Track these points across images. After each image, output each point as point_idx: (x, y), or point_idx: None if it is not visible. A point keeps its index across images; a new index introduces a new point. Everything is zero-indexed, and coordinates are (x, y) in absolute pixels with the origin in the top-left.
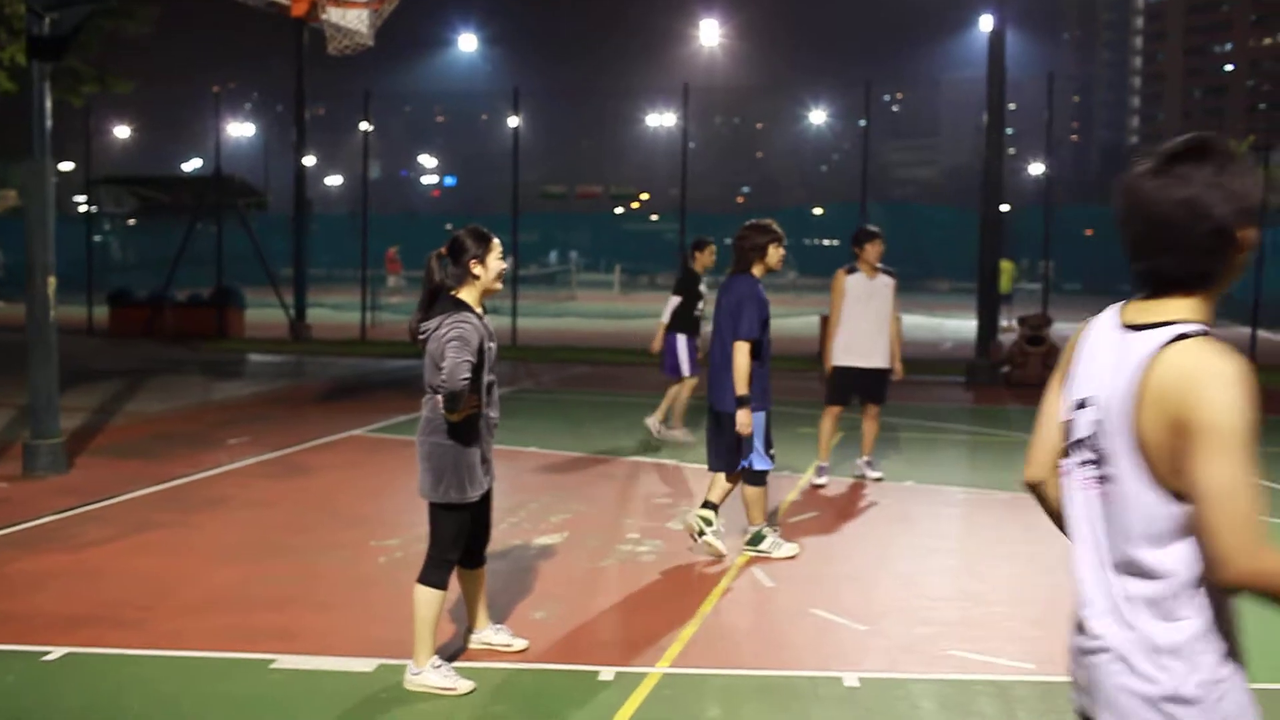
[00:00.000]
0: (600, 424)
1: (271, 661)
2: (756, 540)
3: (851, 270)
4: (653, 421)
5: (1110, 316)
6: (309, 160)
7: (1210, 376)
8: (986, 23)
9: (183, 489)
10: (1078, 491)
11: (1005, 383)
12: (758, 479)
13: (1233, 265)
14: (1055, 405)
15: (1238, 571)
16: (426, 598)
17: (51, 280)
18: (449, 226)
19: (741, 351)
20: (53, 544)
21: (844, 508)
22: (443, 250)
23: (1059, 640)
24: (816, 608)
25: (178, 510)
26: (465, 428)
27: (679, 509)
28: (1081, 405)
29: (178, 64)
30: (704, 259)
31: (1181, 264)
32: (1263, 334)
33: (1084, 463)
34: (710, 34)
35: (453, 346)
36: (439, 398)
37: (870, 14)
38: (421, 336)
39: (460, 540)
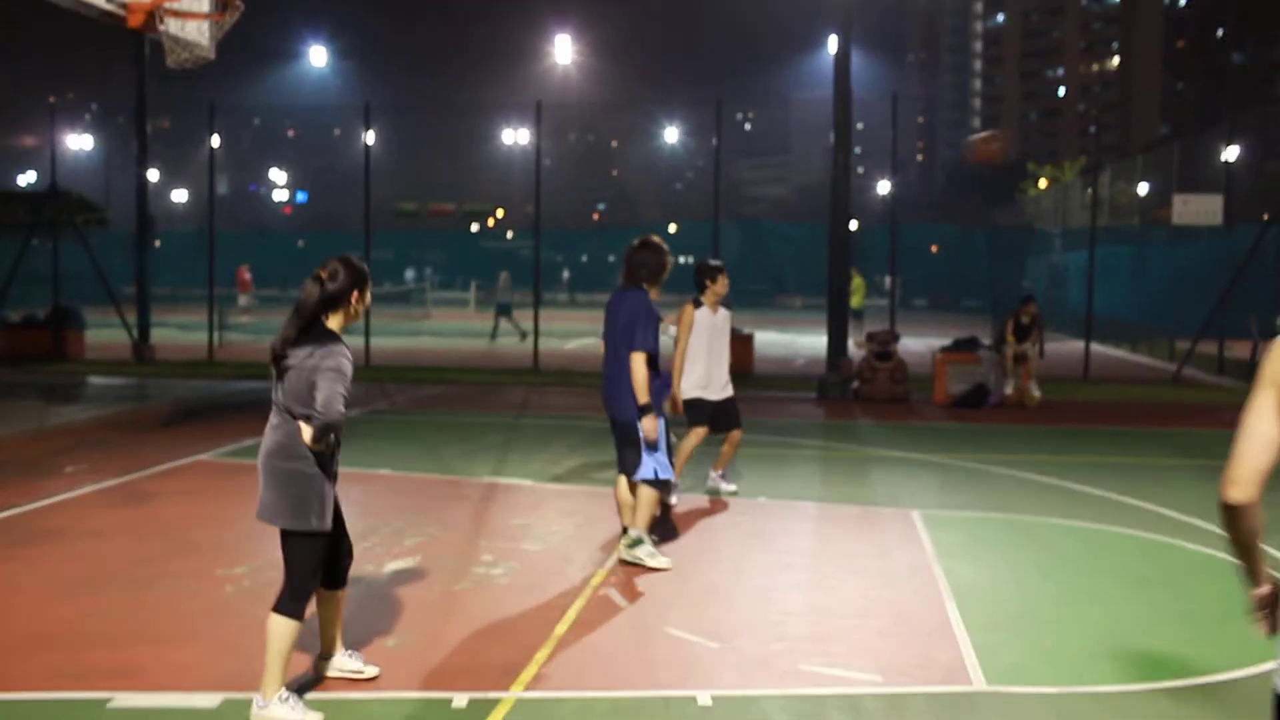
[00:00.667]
0: (455, 445)
1: (108, 701)
2: (635, 544)
3: (698, 304)
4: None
5: None
6: (152, 175)
7: None
8: (833, 43)
9: (14, 520)
10: None
11: (855, 398)
12: (659, 485)
13: None
14: (1268, 425)
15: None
16: (282, 629)
17: None
18: (300, 243)
19: (639, 362)
20: None
21: (698, 524)
22: (323, 274)
23: (906, 652)
24: (670, 626)
25: (8, 544)
26: (327, 455)
27: (534, 530)
28: None
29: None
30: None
31: None
32: (1095, 347)
33: None
34: (564, 51)
35: (329, 377)
36: (301, 424)
37: (722, 33)
38: (288, 362)
39: (319, 567)
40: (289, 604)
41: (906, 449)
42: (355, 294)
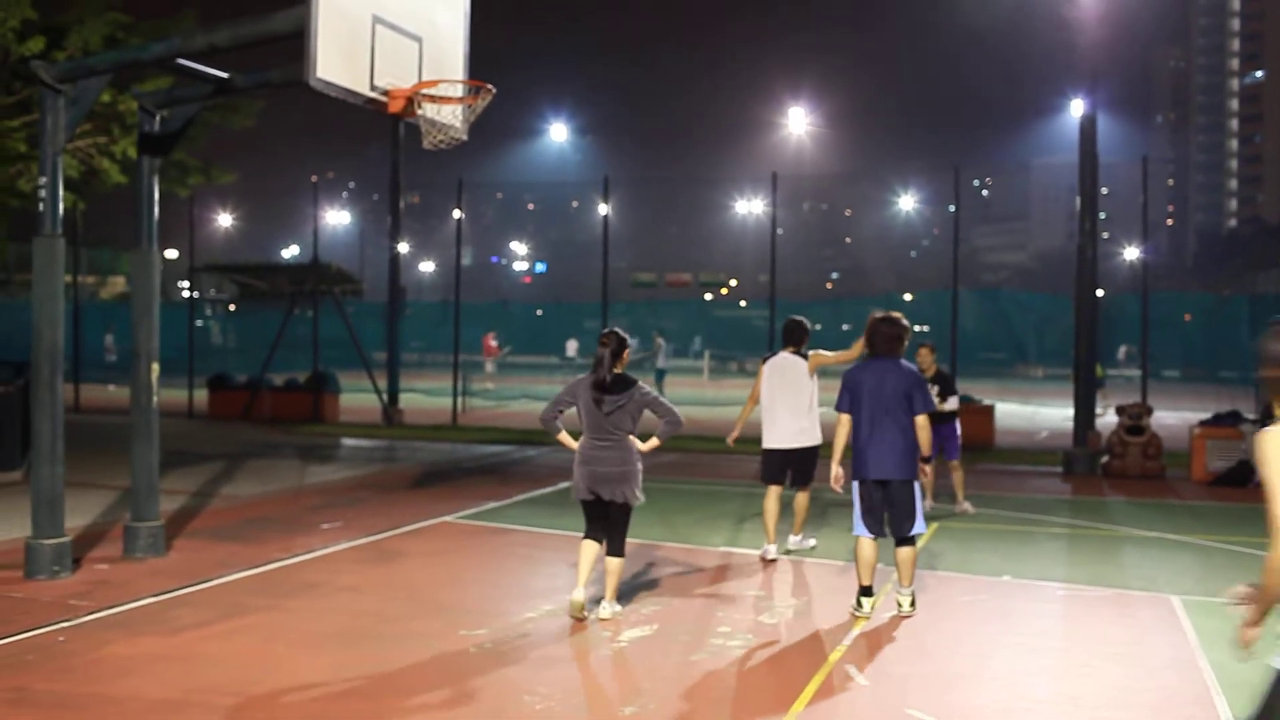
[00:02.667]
0: (689, 513)
1: None
2: (913, 601)
3: (769, 357)
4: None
5: None
6: (403, 247)
7: None
8: (1077, 107)
9: (276, 573)
10: None
11: (1104, 473)
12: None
13: None
14: None
15: None
16: (621, 563)
17: (154, 366)
18: (539, 313)
19: (926, 424)
20: (149, 627)
21: (940, 603)
22: (605, 339)
23: None
24: (912, 708)
25: (270, 595)
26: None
27: (770, 602)
28: None
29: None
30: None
31: None
32: None
33: None
34: (798, 121)
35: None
36: (633, 439)
37: (958, 100)
38: (619, 403)
39: None
40: (623, 548)
41: (1163, 529)
42: (625, 351)
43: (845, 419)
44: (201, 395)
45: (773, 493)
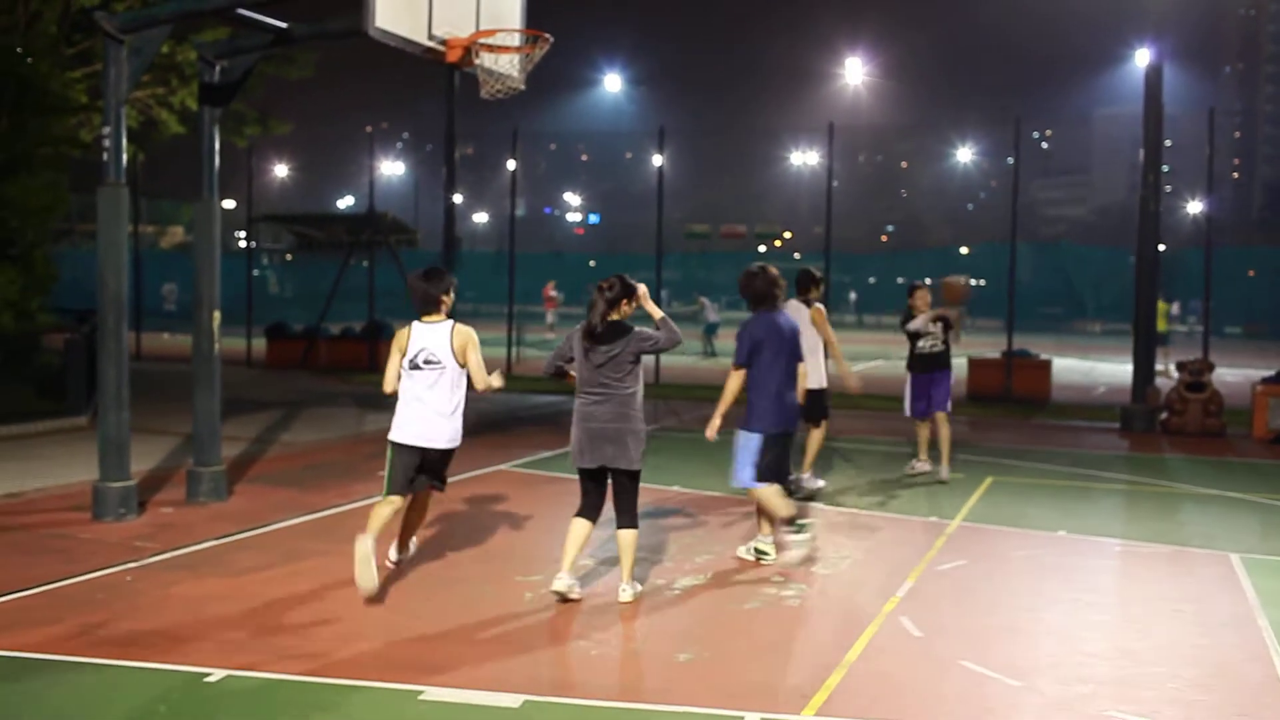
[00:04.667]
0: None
1: (420, 693)
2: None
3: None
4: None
5: None
6: (458, 198)
7: None
8: (1142, 57)
9: (333, 519)
10: None
11: (1163, 430)
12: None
13: None
14: None
15: None
16: (635, 535)
17: (216, 314)
18: (592, 264)
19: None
20: (213, 569)
21: (995, 557)
22: (604, 284)
23: (1225, 705)
24: (967, 660)
25: (328, 540)
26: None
27: (824, 553)
28: None
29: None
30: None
31: None
32: None
33: None
34: (855, 72)
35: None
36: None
37: (1019, 49)
38: (612, 353)
39: None
40: (636, 521)
41: (1223, 487)
42: (624, 301)
43: (739, 374)
44: (260, 344)
45: None
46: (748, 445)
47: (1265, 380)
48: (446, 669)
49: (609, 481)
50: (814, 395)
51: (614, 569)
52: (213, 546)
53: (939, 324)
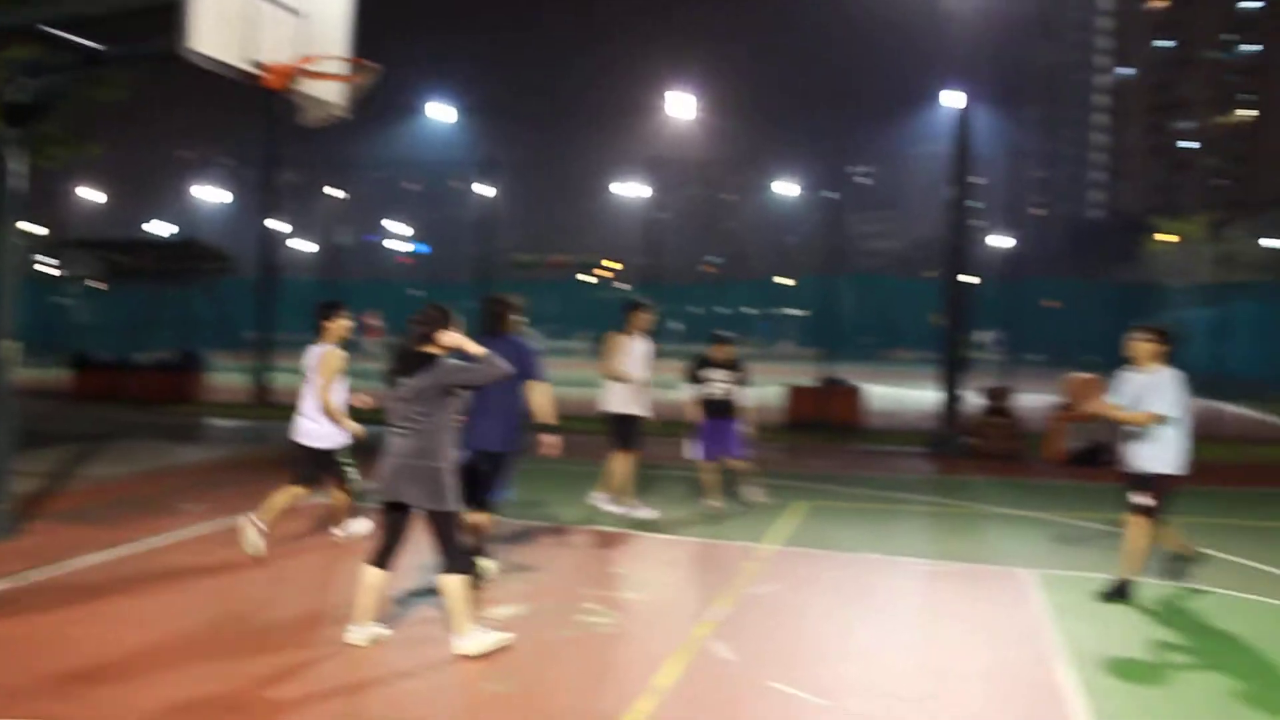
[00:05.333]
0: (560, 491)
1: None
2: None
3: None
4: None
5: None
6: (279, 225)
7: None
8: (951, 99)
9: (135, 556)
10: None
11: (968, 453)
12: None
13: None
14: None
15: None
16: (458, 583)
17: (9, 344)
18: (419, 293)
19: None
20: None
21: (807, 580)
22: (418, 318)
23: (1021, 716)
24: (777, 682)
25: (128, 578)
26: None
27: (635, 579)
28: None
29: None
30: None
31: None
32: (1221, 405)
33: None
34: (680, 106)
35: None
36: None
37: (839, 90)
38: (417, 386)
39: (460, 532)
40: (457, 564)
41: (1022, 507)
42: (440, 331)
43: None
44: (67, 374)
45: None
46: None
47: (1060, 406)
48: (249, 710)
49: (406, 523)
50: (623, 421)
51: (424, 600)
52: (1, 588)
53: (730, 372)
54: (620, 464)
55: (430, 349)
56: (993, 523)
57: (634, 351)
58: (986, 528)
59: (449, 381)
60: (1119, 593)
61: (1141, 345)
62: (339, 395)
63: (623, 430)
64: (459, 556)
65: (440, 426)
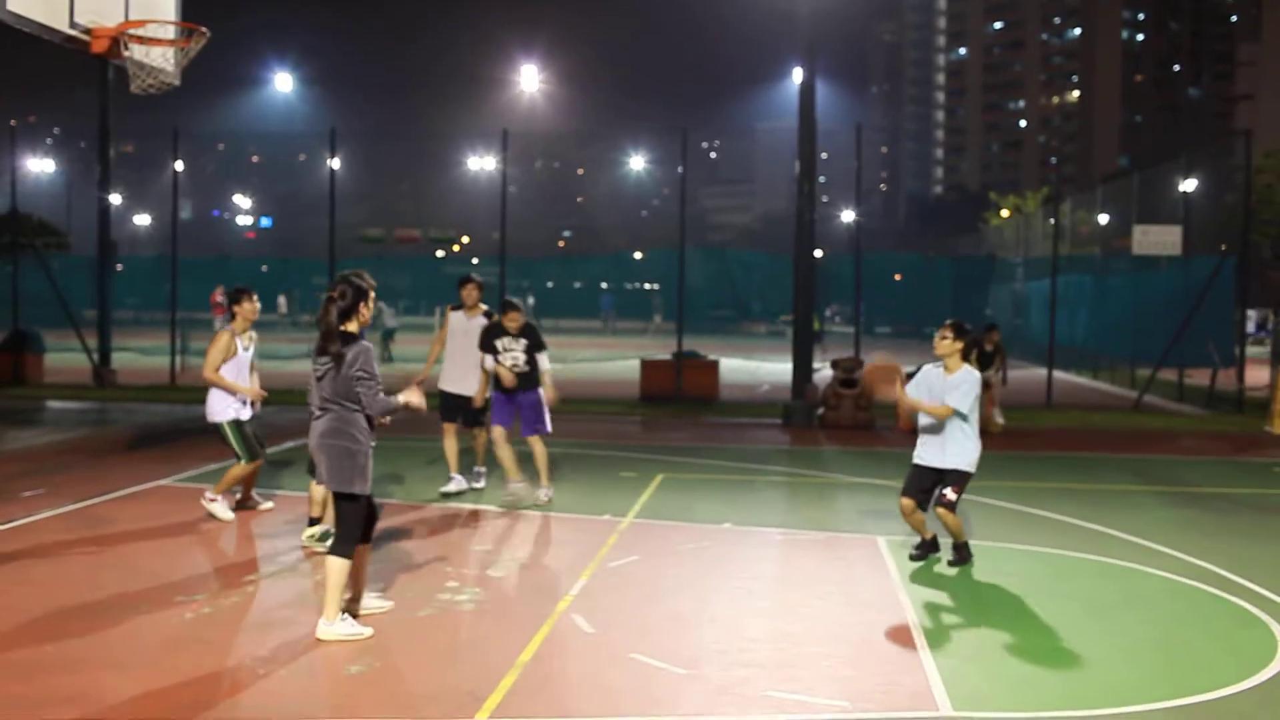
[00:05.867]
0: (415, 470)
1: None
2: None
3: (456, 308)
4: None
5: None
6: (115, 199)
7: None
8: (798, 75)
9: None
10: None
11: (821, 424)
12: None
13: None
14: None
15: None
16: (339, 566)
17: None
18: (264, 269)
19: None
20: None
21: (665, 551)
22: (334, 294)
23: (872, 678)
24: (637, 652)
25: None
26: (370, 432)
27: (498, 556)
28: None
29: None
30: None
31: None
32: (1057, 374)
33: None
34: (530, 79)
35: (365, 385)
36: (355, 411)
37: (689, 63)
38: (325, 364)
39: (362, 522)
40: (343, 548)
41: (872, 475)
42: (361, 304)
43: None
44: None
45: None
46: None
47: (909, 374)
48: (96, 701)
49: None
50: (449, 398)
51: (282, 584)
52: None
53: (521, 341)
54: (449, 440)
55: (349, 327)
56: (844, 490)
57: (466, 328)
58: (838, 496)
59: (350, 375)
60: (957, 555)
61: (941, 345)
62: (231, 371)
63: (449, 406)
64: (346, 539)
65: (352, 407)
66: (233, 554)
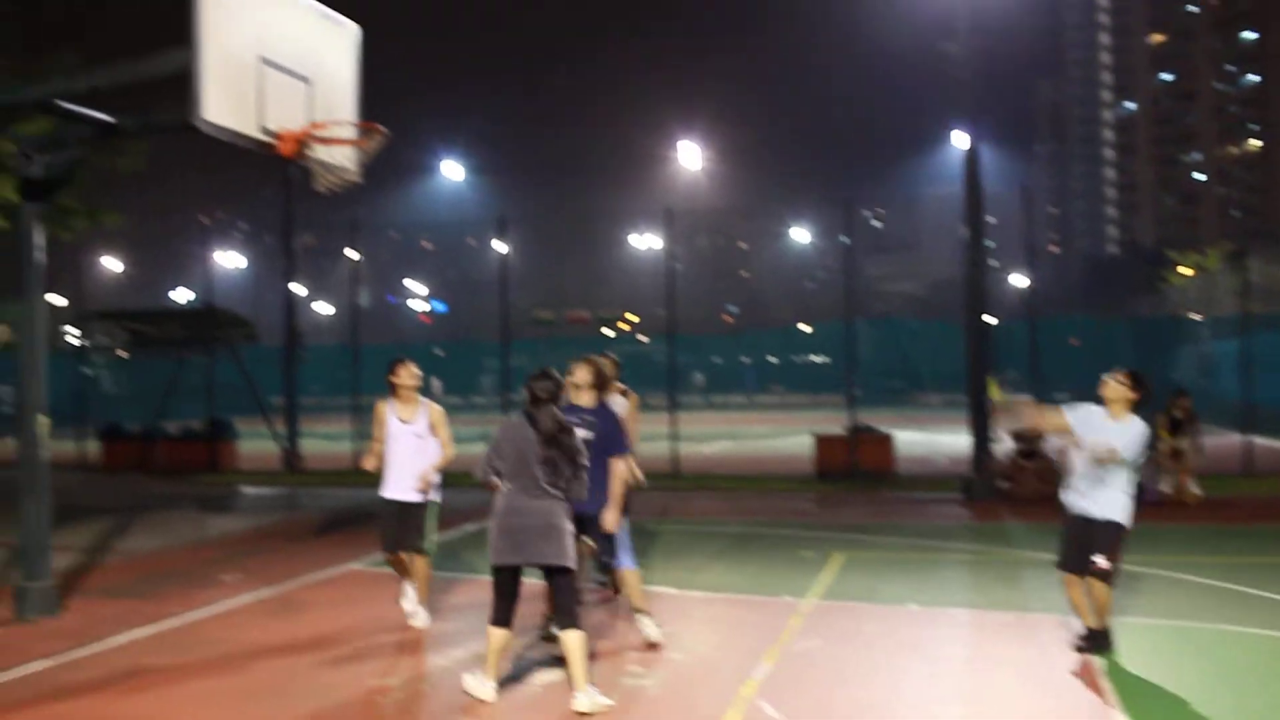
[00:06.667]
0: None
1: None
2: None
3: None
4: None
5: None
6: (299, 290)
7: None
8: (960, 139)
9: (176, 630)
10: None
11: (1002, 498)
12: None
13: None
14: None
15: None
16: (579, 637)
17: (43, 420)
18: (439, 353)
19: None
20: (45, 692)
21: (850, 634)
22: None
23: None
24: None
25: (170, 653)
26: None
27: (680, 639)
28: None
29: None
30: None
31: None
32: (1258, 440)
33: None
34: (691, 156)
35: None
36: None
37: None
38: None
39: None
40: (575, 620)
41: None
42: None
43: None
44: (93, 446)
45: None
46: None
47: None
48: None
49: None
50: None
51: (468, 668)
52: (44, 668)
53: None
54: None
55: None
56: (1031, 568)
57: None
58: (1024, 573)
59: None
60: (1095, 642)
61: (1114, 388)
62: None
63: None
64: (577, 613)
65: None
66: (426, 638)
